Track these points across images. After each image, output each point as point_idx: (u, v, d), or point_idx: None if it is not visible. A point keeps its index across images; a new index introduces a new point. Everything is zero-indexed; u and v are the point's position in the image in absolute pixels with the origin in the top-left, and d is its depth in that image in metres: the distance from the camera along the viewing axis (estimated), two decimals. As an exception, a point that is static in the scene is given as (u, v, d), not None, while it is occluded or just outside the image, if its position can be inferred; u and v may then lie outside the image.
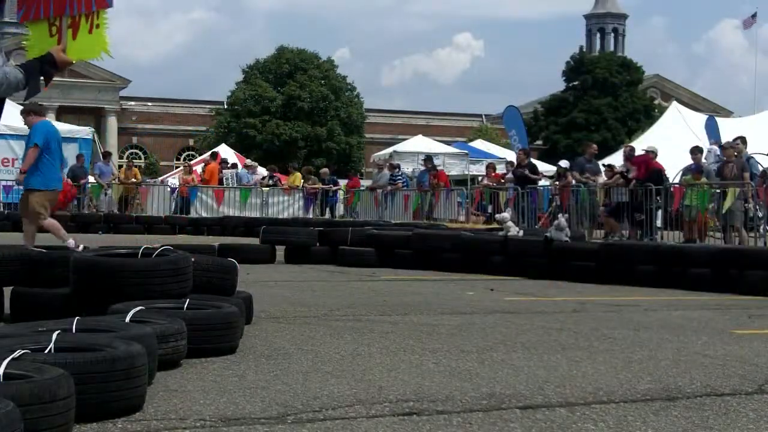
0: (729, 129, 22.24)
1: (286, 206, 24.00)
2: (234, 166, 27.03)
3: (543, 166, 28.53)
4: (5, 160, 24.93)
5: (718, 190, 14.42)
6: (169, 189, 25.37)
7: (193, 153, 55.43)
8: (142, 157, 57.75)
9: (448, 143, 33.97)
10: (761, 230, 14.22)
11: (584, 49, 62.46)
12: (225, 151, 31.65)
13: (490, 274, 11.07)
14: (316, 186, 24.51)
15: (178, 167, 40.98)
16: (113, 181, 23.94)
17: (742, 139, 15.95)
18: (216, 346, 4.70)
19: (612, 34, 71.48)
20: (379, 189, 23.55)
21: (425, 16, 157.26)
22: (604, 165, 17.75)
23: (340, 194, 25.60)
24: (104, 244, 8.90)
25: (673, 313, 7.35)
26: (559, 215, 12.65)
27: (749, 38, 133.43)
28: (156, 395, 3.70)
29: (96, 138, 30.46)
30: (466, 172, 28.29)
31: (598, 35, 71.43)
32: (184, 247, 6.33)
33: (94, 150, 27.97)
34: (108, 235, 19.40)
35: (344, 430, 3.25)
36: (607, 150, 32.83)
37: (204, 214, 23.03)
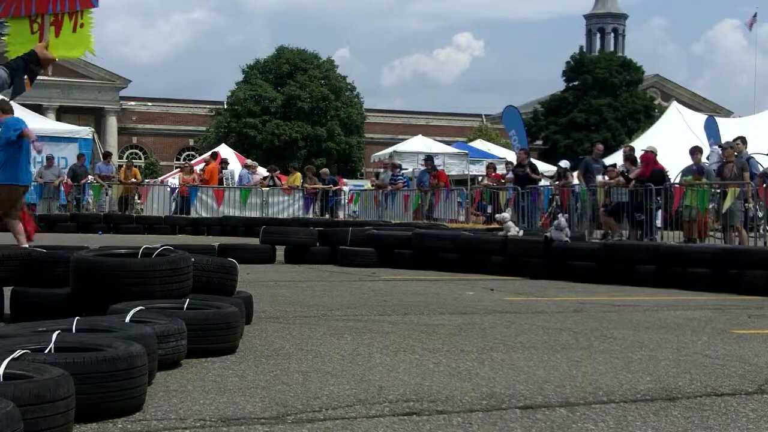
0: (729, 129, 22.24)
1: (286, 206, 24.00)
2: (227, 164, 27.01)
3: (543, 166, 28.56)
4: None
5: (718, 190, 14.41)
6: (169, 189, 25.37)
7: (193, 153, 55.44)
8: (142, 157, 57.76)
9: (448, 143, 33.97)
10: (761, 230, 14.21)
11: (584, 49, 62.49)
12: (225, 151, 31.65)
13: (490, 274, 11.08)
14: (316, 186, 24.51)
15: (178, 167, 40.98)
16: (113, 182, 23.93)
17: (742, 139, 15.95)
18: (216, 346, 4.69)
19: (612, 34, 71.51)
20: (383, 188, 23.51)
21: (425, 16, 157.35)
22: (612, 166, 17.71)
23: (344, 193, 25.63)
24: (104, 244, 8.90)
25: (673, 313, 7.34)
26: (559, 215, 12.64)
27: (749, 38, 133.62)
28: (156, 395, 3.70)
29: (96, 138, 30.50)
30: (466, 172, 28.29)
31: (598, 35, 71.47)
32: (184, 247, 6.32)
33: (94, 150, 28.01)
34: (108, 235, 19.40)
35: (344, 430, 3.25)
36: (607, 150, 32.78)
37: (204, 214, 23.03)
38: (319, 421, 3.36)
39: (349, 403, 3.66)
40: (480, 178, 25.63)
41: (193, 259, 5.46)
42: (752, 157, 16.30)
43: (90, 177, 23.93)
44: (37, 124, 27.48)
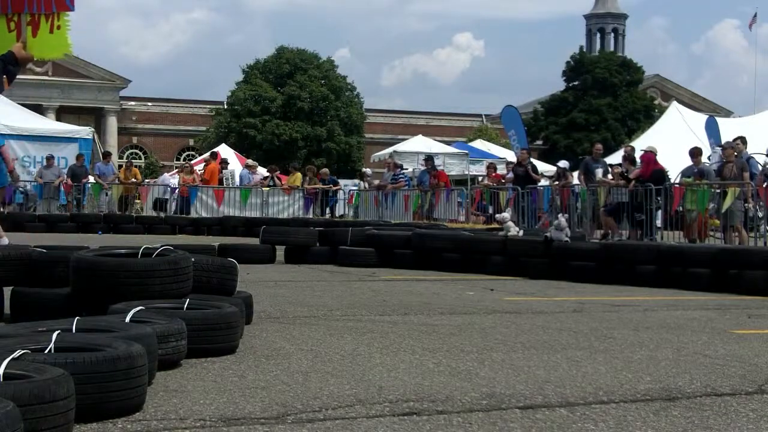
0: (729, 129, 22.24)
1: (286, 206, 24.00)
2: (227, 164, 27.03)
3: (543, 166, 28.56)
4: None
5: (718, 190, 14.41)
6: (169, 189, 25.37)
7: (193, 153, 55.45)
8: (142, 157, 57.76)
9: (448, 143, 33.98)
10: (761, 230, 14.21)
11: (584, 49, 62.49)
12: (225, 151, 31.65)
13: (490, 274, 11.07)
14: (316, 186, 24.52)
15: (177, 167, 40.98)
16: (114, 182, 23.93)
17: (742, 139, 15.94)
18: (216, 346, 4.69)
19: (612, 34, 71.51)
20: (383, 188, 23.49)
21: (425, 16, 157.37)
22: (610, 165, 17.71)
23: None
24: (104, 244, 8.90)
25: (673, 313, 7.34)
26: (559, 215, 12.64)
27: (749, 38, 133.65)
28: (156, 395, 3.70)
29: (96, 138, 30.49)
30: (466, 172, 28.29)
31: (598, 35, 71.47)
32: (184, 247, 6.32)
33: (94, 150, 27.99)
34: (108, 235, 19.40)
35: (344, 430, 3.25)
36: (607, 150, 32.81)
37: (204, 214, 23.03)
38: (319, 421, 3.36)
39: (349, 403, 3.66)
40: (480, 178, 25.63)
41: (193, 259, 5.46)
42: (752, 157, 16.30)
43: (90, 177, 23.93)
44: (37, 124, 27.58)
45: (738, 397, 3.98)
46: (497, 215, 14.29)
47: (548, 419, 3.48)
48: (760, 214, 14.31)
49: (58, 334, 3.61)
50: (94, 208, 23.17)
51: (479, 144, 35.35)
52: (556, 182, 18.94)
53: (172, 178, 26.22)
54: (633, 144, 21.87)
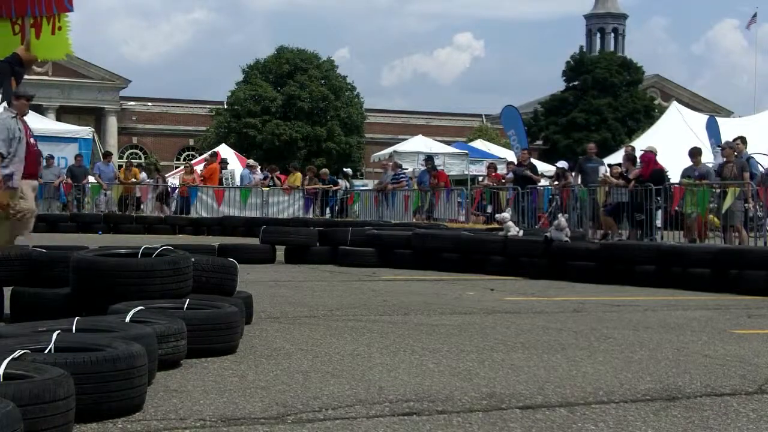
0: (729, 129, 22.22)
1: (286, 206, 23.99)
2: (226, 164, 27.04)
3: (543, 166, 28.55)
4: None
5: (718, 190, 14.41)
6: (169, 189, 25.36)
7: (193, 153, 55.45)
8: (142, 157, 57.76)
9: (448, 143, 33.97)
10: (762, 230, 14.21)
11: (584, 49, 62.47)
12: (225, 151, 31.64)
13: (490, 274, 11.07)
14: (316, 186, 24.52)
15: (179, 167, 40.99)
16: (115, 182, 23.92)
17: (742, 139, 15.94)
18: (216, 346, 4.69)
19: (612, 34, 71.48)
20: (384, 188, 23.48)
21: (425, 16, 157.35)
22: (610, 165, 17.69)
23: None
24: (104, 244, 8.90)
25: (673, 313, 7.34)
26: (559, 215, 12.64)
27: (749, 38, 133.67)
28: (156, 395, 3.70)
29: (96, 138, 30.49)
30: (466, 172, 28.29)
31: (598, 35, 71.44)
32: (184, 247, 6.32)
33: (94, 150, 28.00)
34: (108, 235, 19.40)
35: (344, 430, 3.25)
36: (607, 150, 32.84)
37: (204, 214, 23.02)
38: (319, 421, 3.36)
39: (349, 403, 3.66)
40: (480, 178, 25.63)
41: (193, 259, 5.46)
42: (752, 157, 16.30)
43: (91, 177, 23.92)
44: (37, 124, 27.54)
45: (738, 397, 3.98)
46: (497, 215, 14.28)
47: (548, 419, 3.49)
48: (760, 214, 14.31)
49: (58, 334, 3.61)
50: (93, 209, 23.16)
51: (479, 144, 35.34)
52: (556, 182, 18.94)
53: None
54: (633, 144, 21.87)
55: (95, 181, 23.73)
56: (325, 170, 27.17)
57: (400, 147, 30.79)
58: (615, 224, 15.71)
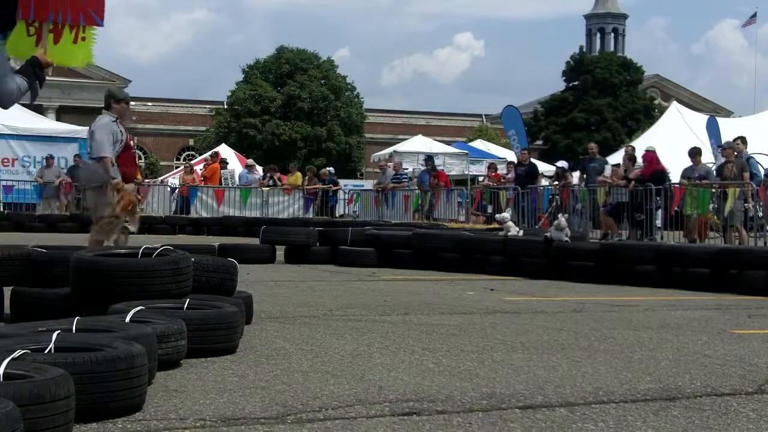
0: (729, 129, 22.23)
1: (286, 206, 24.00)
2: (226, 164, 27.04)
3: (543, 166, 28.56)
4: (5, 160, 24.94)
5: (718, 191, 14.42)
6: (169, 189, 25.37)
7: (193, 153, 55.45)
8: (142, 157, 57.75)
9: (448, 143, 33.98)
10: (762, 230, 14.22)
11: (584, 49, 62.53)
12: (225, 151, 31.65)
13: (490, 274, 11.07)
14: (316, 186, 24.52)
15: (179, 167, 41.00)
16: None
17: (742, 139, 15.94)
18: (216, 346, 4.69)
19: (612, 34, 71.50)
20: (385, 188, 23.48)
21: (425, 16, 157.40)
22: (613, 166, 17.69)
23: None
24: (104, 244, 8.88)
25: (673, 313, 7.34)
26: (559, 215, 12.64)
27: (749, 38, 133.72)
28: (156, 395, 3.70)
29: (96, 138, 30.41)
30: (466, 172, 28.29)
31: (598, 35, 71.45)
32: (184, 247, 6.32)
33: (94, 150, 27.95)
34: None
35: (344, 430, 3.25)
36: (607, 150, 32.80)
37: (204, 214, 23.02)
38: (319, 421, 3.36)
39: (349, 403, 3.66)
40: (480, 178, 25.64)
41: (193, 259, 5.46)
42: (752, 157, 16.30)
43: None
44: (37, 124, 27.56)
45: (738, 397, 3.98)
46: (497, 215, 14.29)
47: (548, 419, 3.48)
48: (761, 214, 14.31)
49: (58, 334, 3.61)
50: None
51: (479, 144, 35.35)
52: (556, 182, 18.94)
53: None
54: (633, 144, 21.88)
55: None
56: (324, 170, 27.17)
57: (400, 147, 30.80)
58: (615, 224, 15.71)
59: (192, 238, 18.12)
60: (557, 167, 19.97)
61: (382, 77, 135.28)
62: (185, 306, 4.92)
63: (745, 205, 14.19)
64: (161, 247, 5.57)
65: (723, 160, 15.58)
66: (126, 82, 59.85)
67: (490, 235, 12.39)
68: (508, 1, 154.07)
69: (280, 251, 12.95)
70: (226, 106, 53.19)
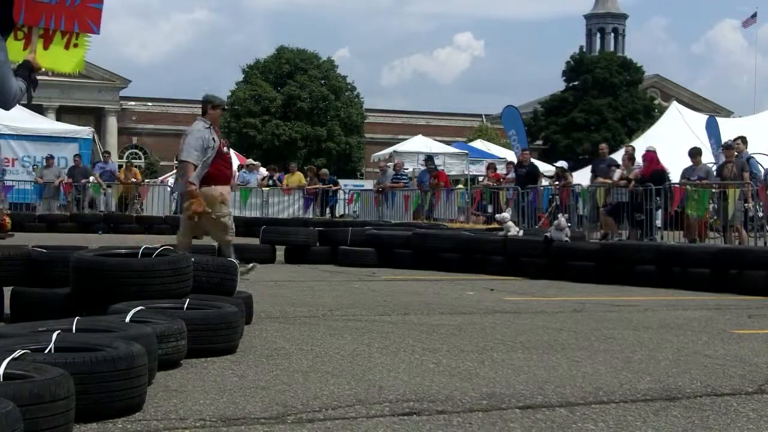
0: (729, 129, 22.22)
1: (286, 206, 23.98)
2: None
3: (543, 166, 28.56)
4: (6, 160, 24.91)
5: (718, 190, 14.41)
6: (169, 189, 25.35)
7: (193, 153, 55.34)
8: (142, 157, 57.77)
9: (448, 143, 33.97)
10: (762, 230, 14.21)
11: (584, 49, 62.52)
12: (225, 151, 31.53)
13: (490, 274, 11.07)
14: (316, 186, 24.51)
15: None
16: (115, 182, 23.90)
17: (743, 139, 15.93)
18: (216, 346, 4.69)
19: (612, 34, 71.50)
20: (384, 188, 23.47)
21: (425, 16, 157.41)
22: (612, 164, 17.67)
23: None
24: (104, 244, 8.90)
25: (673, 313, 7.34)
26: (559, 215, 12.65)
27: (749, 38, 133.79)
28: (156, 395, 3.70)
29: (96, 138, 30.46)
30: (466, 172, 28.29)
31: (598, 35, 71.45)
32: (184, 247, 6.32)
33: (94, 150, 27.98)
34: (108, 235, 19.39)
35: (344, 430, 3.25)
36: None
37: (204, 214, 22.97)
38: (319, 421, 3.36)
39: (349, 403, 3.66)
40: (480, 178, 25.63)
41: (193, 259, 5.46)
42: (752, 157, 16.29)
43: (91, 177, 23.91)
44: (37, 124, 27.56)
45: (738, 397, 3.98)
46: (497, 215, 14.29)
47: (548, 419, 3.48)
48: (761, 214, 14.31)
49: (58, 334, 3.61)
50: (94, 209, 23.16)
51: (479, 144, 35.34)
52: (556, 182, 18.94)
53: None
54: (633, 144, 21.86)
55: (95, 181, 23.71)
56: (324, 170, 27.16)
57: (400, 147, 30.78)
58: (615, 224, 15.71)
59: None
60: (557, 167, 19.96)
61: (382, 77, 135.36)
62: (185, 306, 4.93)
63: (745, 205, 14.18)
64: (161, 247, 5.57)
65: (724, 159, 15.56)
66: (126, 82, 59.87)
67: (490, 235, 12.39)
68: (508, 1, 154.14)
69: (280, 251, 12.94)
70: (226, 107, 53.17)
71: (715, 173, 15.40)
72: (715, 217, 14.58)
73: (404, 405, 3.63)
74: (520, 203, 17.87)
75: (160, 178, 32.89)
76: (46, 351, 3.43)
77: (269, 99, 50.20)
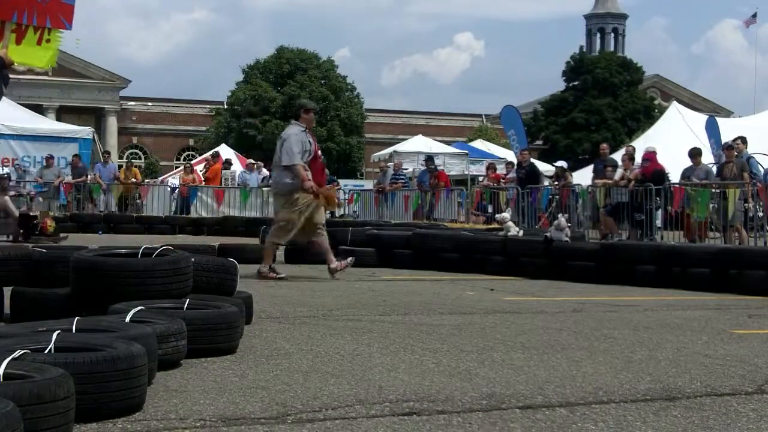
0: (729, 129, 22.22)
1: (286, 206, 23.94)
2: (230, 165, 27.04)
3: (543, 166, 28.56)
4: (5, 160, 24.93)
5: (718, 190, 14.42)
6: (169, 189, 25.36)
7: (193, 153, 55.46)
8: (142, 157, 57.77)
9: (448, 143, 33.98)
10: (762, 230, 14.21)
11: (584, 49, 62.55)
12: (225, 152, 31.63)
13: (490, 274, 11.07)
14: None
15: (179, 167, 41.00)
16: (114, 182, 23.89)
17: (742, 139, 15.94)
18: (216, 346, 4.69)
19: (612, 34, 71.53)
20: (383, 189, 23.45)
21: (425, 16, 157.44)
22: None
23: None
24: (104, 244, 8.89)
25: (673, 313, 7.34)
26: (559, 215, 12.64)
27: (749, 38, 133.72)
28: (156, 395, 3.70)
29: (96, 138, 30.46)
30: (466, 172, 28.29)
31: (598, 35, 71.48)
32: (184, 247, 6.31)
33: (94, 150, 27.98)
34: (108, 235, 19.39)
35: (344, 430, 3.25)
36: (607, 150, 32.70)
37: (204, 214, 23.01)
38: (319, 421, 3.36)
39: (349, 403, 3.66)
40: (480, 178, 25.63)
41: (193, 259, 5.46)
42: (752, 157, 16.30)
43: (90, 177, 23.91)
44: (37, 124, 27.56)
45: (738, 397, 3.98)
46: (497, 215, 14.29)
47: (548, 419, 3.48)
48: (761, 214, 14.31)
49: (58, 334, 3.61)
50: (93, 209, 23.17)
51: (479, 144, 35.35)
52: (556, 183, 18.93)
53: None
54: (633, 144, 21.87)
55: (93, 181, 23.71)
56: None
57: (400, 147, 30.80)
58: (615, 224, 15.71)
59: (192, 238, 18.11)
60: (557, 167, 19.96)
61: (382, 77, 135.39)
62: (185, 306, 4.92)
63: (745, 205, 14.19)
64: (161, 247, 5.57)
65: (724, 159, 15.57)
66: (126, 82, 59.87)
67: (490, 235, 12.39)
68: (508, 1, 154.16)
69: (280, 251, 12.92)
70: (226, 106, 53.19)
71: (715, 173, 15.40)
72: (714, 216, 14.58)
73: (404, 405, 3.63)
74: (520, 203, 17.87)
75: (160, 178, 32.90)
76: (46, 351, 3.43)
77: (269, 99, 50.22)
